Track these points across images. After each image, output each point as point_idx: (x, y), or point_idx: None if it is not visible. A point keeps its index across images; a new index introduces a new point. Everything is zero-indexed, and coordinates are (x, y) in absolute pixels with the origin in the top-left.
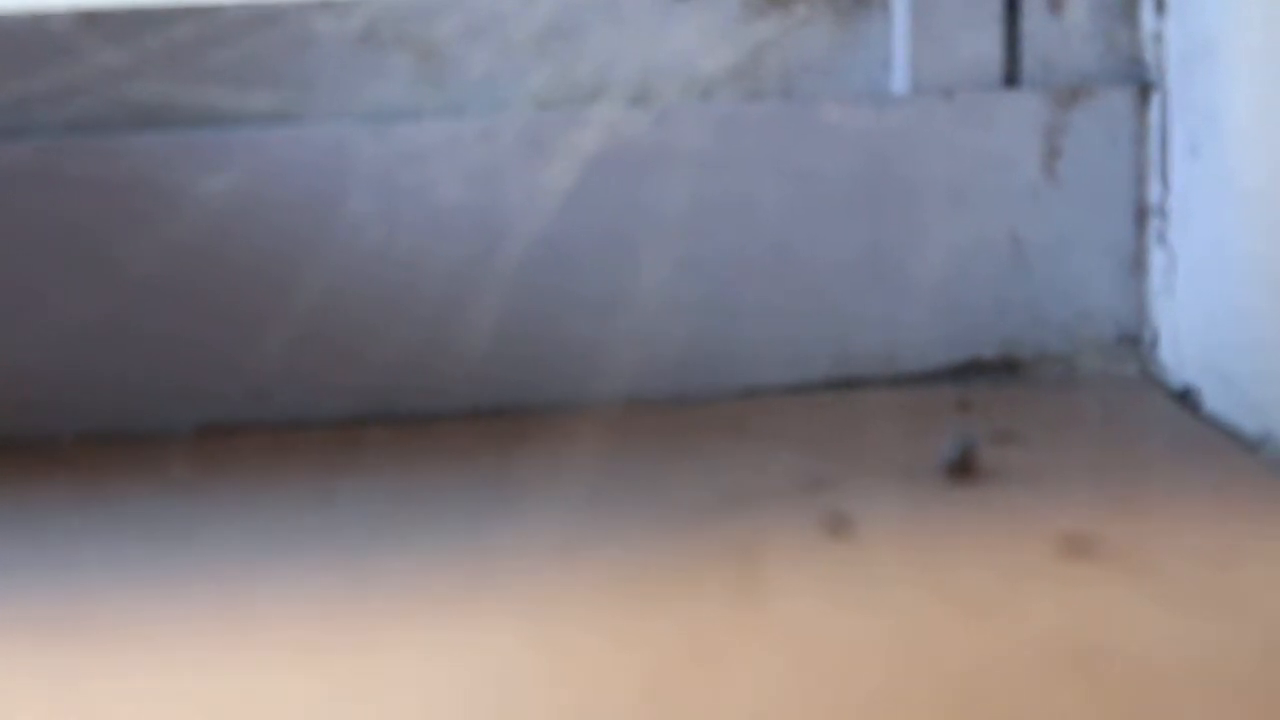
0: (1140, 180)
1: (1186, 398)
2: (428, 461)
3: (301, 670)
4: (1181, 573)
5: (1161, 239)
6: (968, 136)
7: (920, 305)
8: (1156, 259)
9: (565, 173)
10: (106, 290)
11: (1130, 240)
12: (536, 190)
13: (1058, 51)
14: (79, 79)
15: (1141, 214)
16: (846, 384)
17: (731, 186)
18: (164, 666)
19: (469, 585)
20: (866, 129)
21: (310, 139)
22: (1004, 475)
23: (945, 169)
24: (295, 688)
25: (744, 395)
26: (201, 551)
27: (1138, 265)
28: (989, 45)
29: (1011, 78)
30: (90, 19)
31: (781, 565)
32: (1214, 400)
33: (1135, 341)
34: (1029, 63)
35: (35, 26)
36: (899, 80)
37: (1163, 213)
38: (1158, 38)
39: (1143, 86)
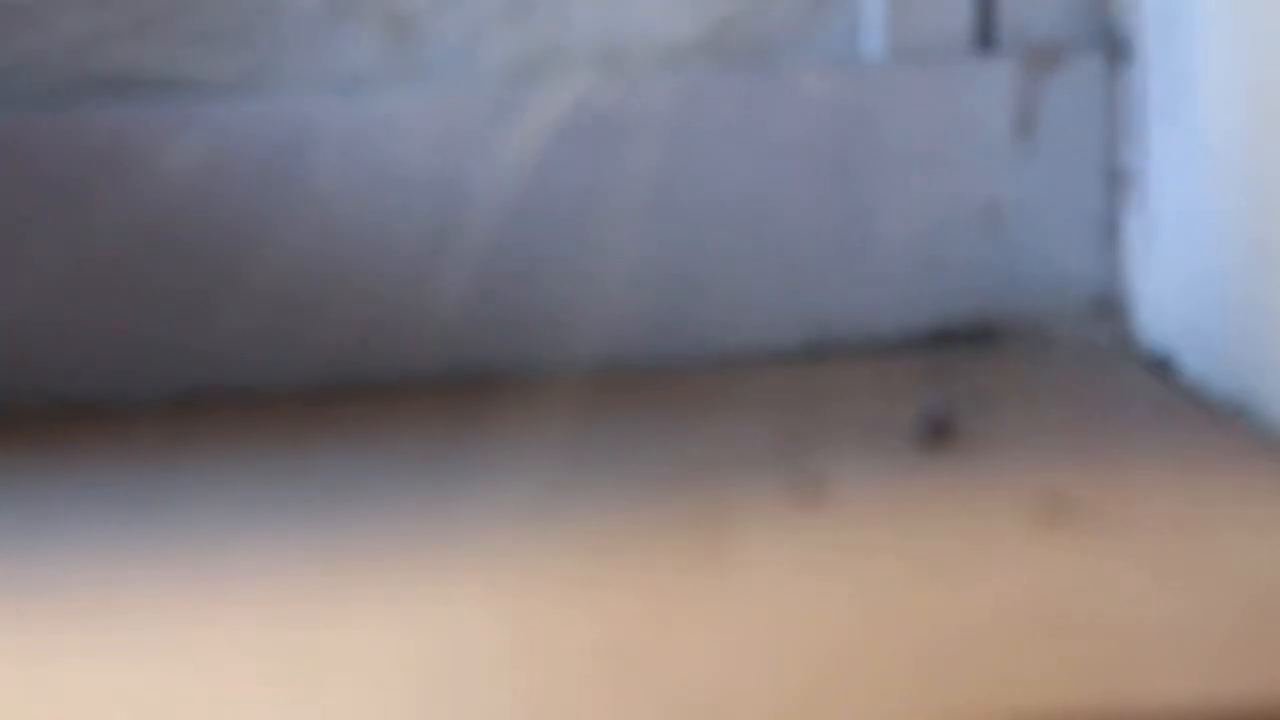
0: (1115, 144)
1: (1163, 363)
2: (396, 429)
3: (263, 637)
4: (1157, 538)
5: (1137, 204)
6: (941, 102)
7: (894, 272)
8: (1132, 224)
9: (534, 141)
10: (73, 262)
11: (1106, 205)
12: (505, 159)
13: (1032, 16)
14: (44, 49)
15: (1117, 178)
16: (820, 351)
17: (702, 154)
18: (132, 635)
19: (437, 553)
20: (839, 96)
21: (278, 108)
22: (979, 441)
23: (918, 135)
24: (256, 654)
25: (716, 362)
26: (170, 521)
27: (1113, 230)
28: (962, 10)
29: (985, 42)
30: None
31: (752, 532)
32: (1190, 365)
33: (1111, 307)
34: (1003, 27)
35: None
36: (871, 46)
37: (1138, 178)
38: (1132, 2)
39: (1117, 51)
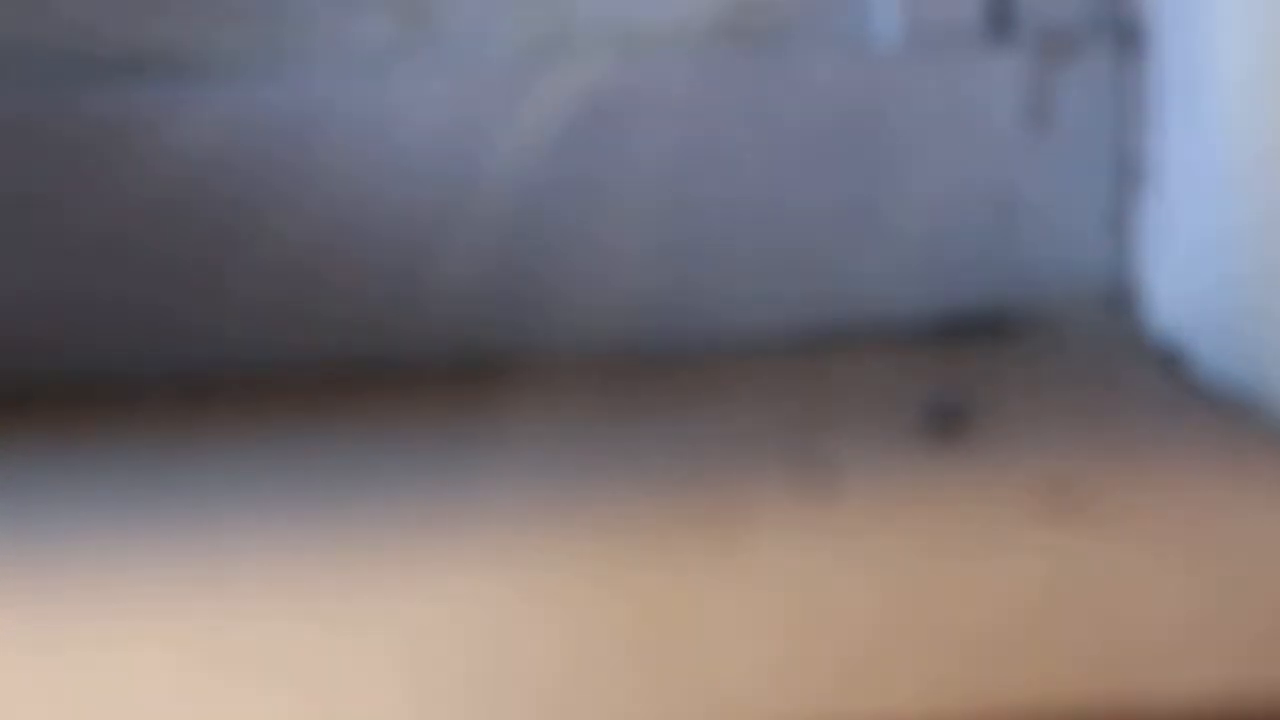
0: (1128, 135)
1: (1173, 354)
2: (406, 413)
3: (280, 618)
4: (1167, 529)
5: (1149, 195)
6: (953, 91)
7: (905, 261)
8: (1145, 216)
9: (545, 124)
10: (83, 241)
11: (1118, 197)
12: (516, 141)
13: (1046, 4)
14: (49, 29)
15: (1129, 169)
16: (830, 339)
17: (714, 140)
18: (141, 620)
19: (448, 536)
20: (850, 82)
21: (289, 88)
22: (989, 432)
23: (930, 123)
24: (273, 636)
25: (726, 349)
26: (179, 502)
27: (1125, 222)
28: None
29: (998, 31)
30: None
31: (764, 520)
32: (1201, 357)
33: (1122, 298)
34: (1016, 15)
35: None
36: (884, 33)
37: (1151, 168)
38: None
39: (1132, 41)
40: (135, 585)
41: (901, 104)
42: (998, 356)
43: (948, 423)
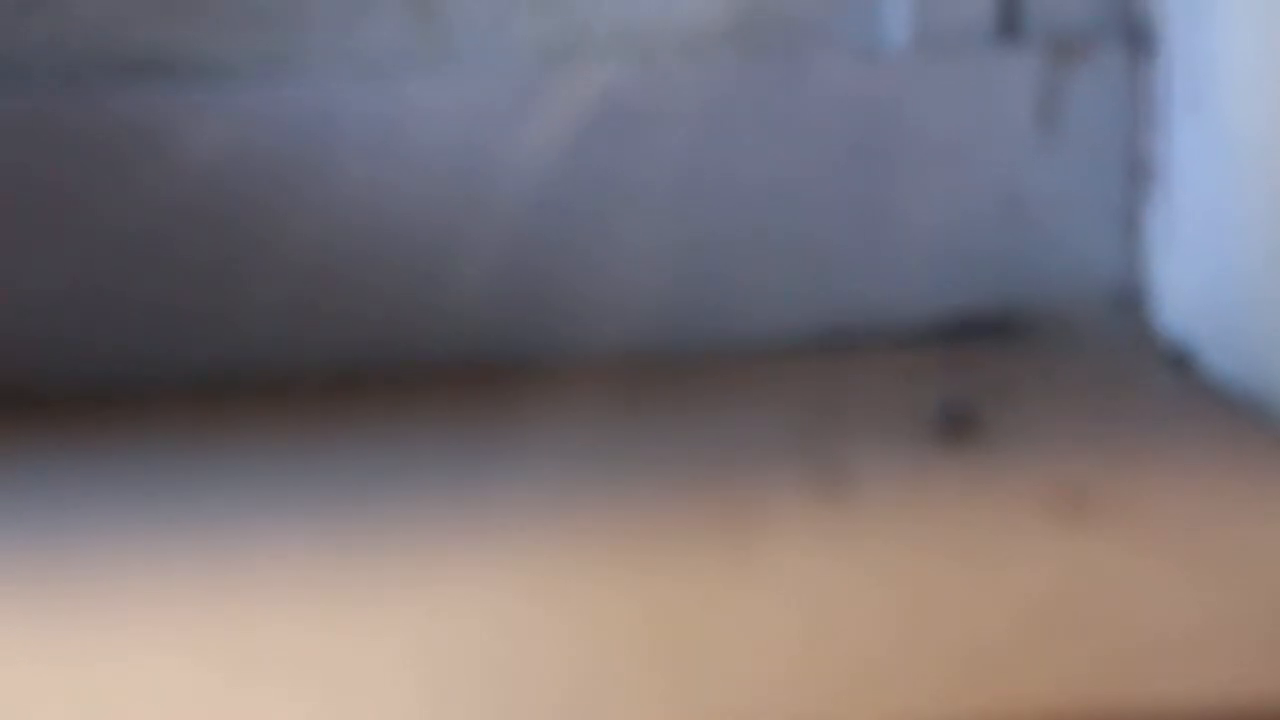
0: (1139, 135)
1: (1183, 356)
2: (420, 415)
3: (296, 622)
4: (1178, 532)
5: (1159, 197)
6: (964, 93)
7: (916, 263)
8: (1155, 216)
9: (559, 127)
10: (96, 245)
11: (1128, 198)
12: (530, 144)
13: (1056, 6)
14: (69, 31)
15: (1139, 170)
16: (841, 341)
17: (726, 142)
18: (157, 626)
19: (464, 538)
20: (862, 86)
21: (303, 90)
22: (1000, 434)
23: (941, 125)
24: (290, 640)
25: (738, 351)
26: (195, 506)
27: (1135, 223)
28: (985, 0)
29: (1009, 33)
30: None
31: (776, 524)
32: (1211, 359)
33: (1132, 299)
34: (1026, 17)
35: None
36: (895, 36)
37: (1162, 169)
38: None
39: (1141, 43)
40: (153, 589)
41: (912, 106)
42: (1008, 357)
43: (959, 425)
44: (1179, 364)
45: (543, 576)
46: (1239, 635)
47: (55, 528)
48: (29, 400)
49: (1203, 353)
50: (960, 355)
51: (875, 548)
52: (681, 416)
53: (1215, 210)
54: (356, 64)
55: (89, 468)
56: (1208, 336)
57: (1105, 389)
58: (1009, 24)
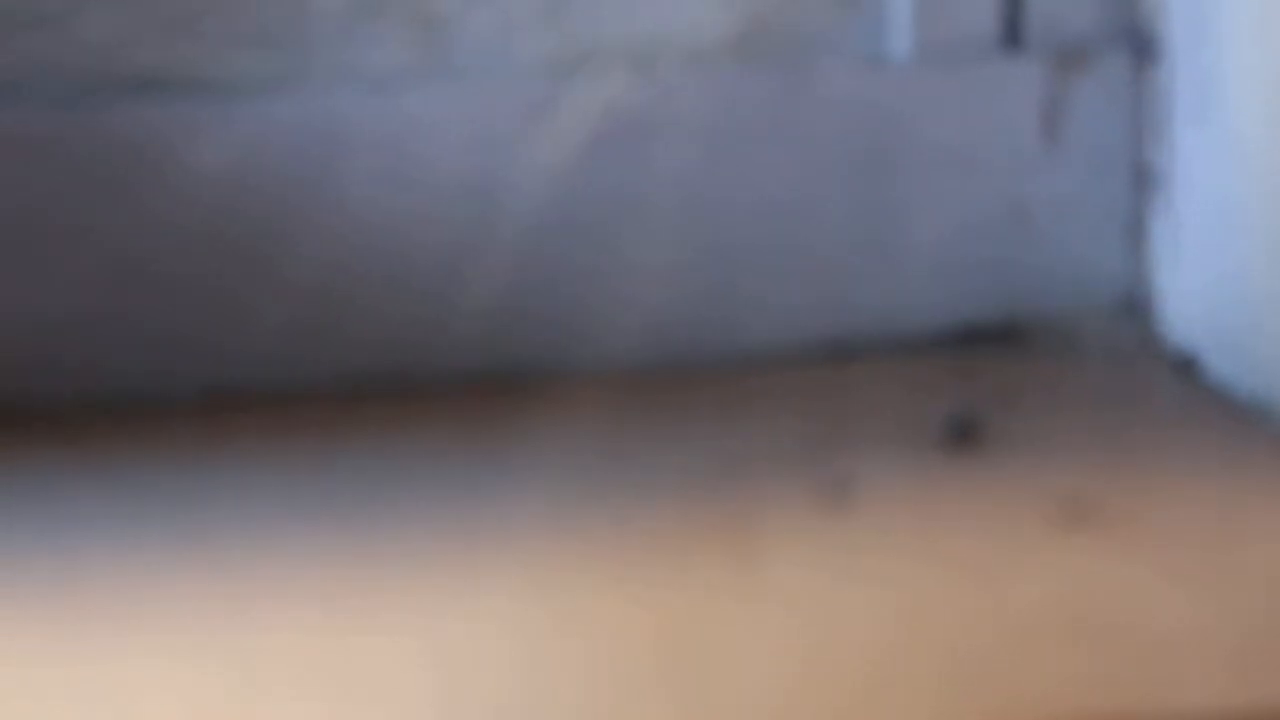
0: (1142, 145)
1: (1188, 364)
2: (427, 430)
3: (305, 636)
4: (1181, 540)
5: (1163, 204)
6: (968, 102)
7: (921, 271)
8: (1159, 224)
9: (565, 141)
10: (104, 261)
11: (1132, 206)
12: (536, 158)
13: (1059, 15)
14: (74, 49)
15: (1143, 178)
16: (847, 351)
17: (731, 154)
18: (164, 632)
19: (469, 552)
20: (867, 96)
21: (307, 108)
22: (1004, 442)
23: (945, 135)
24: (300, 653)
25: (745, 362)
26: (201, 520)
27: (1139, 231)
28: (989, 9)
29: (1012, 42)
30: None
31: (782, 533)
32: (1215, 366)
33: (1137, 307)
34: (1030, 27)
35: None
36: (899, 46)
37: (1164, 178)
38: (1159, 2)
39: (1144, 51)
40: (163, 601)
41: (917, 116)
42: (1013, 365)
43: (964, 434)
44: (1184, 370)
45: (549, 588)
46: (1243, 643)
47: (65, 541)
48: (37, 417)
49: (1207, 359)
50: (965, 363)
51: (880, 558)
52: (688, 428)
53: (1219, 217)
54: (361, 81)
55: (97, 484)
56: (1212, 343)
57: (1110, 396)
58: (1012, 34)
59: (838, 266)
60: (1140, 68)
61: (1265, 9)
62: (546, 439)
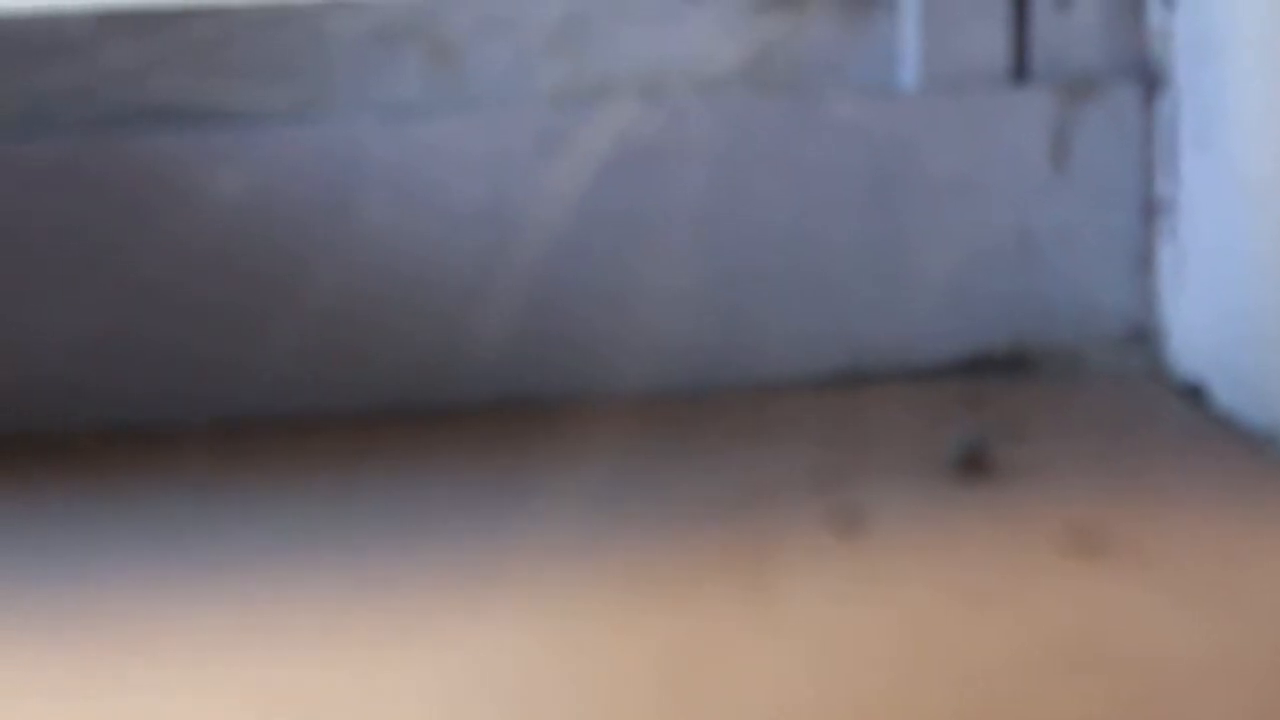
0: (1148, 175)
1: (1195, 393)
2: (442, 457)
3: (316, 666)
4: (1190, 569)
5: (1170, 234)
6: (976, 132)
7: (930, 300)
8: (1165, 254)
9: (577, 169)
10: (123, 287)
11: (1139, 235)
12: (549, 186)
13: (1066, 47)
14: (95, 79)
15: (1150, 209)
16: (857, 379)
17: (742, 182)
18: (177, 661)
19: (483, 580)
20: (875, 125)
21: (325, 136)
22: (1013, 471)
23: (954, 165)
24: (309, 683)
25: (755, 390)
26: (217, 548)
27: (1146, 260)
28: (997, 41)
29: (1020, 73)
30: (107, 19)
31: (792, 561)
32: (1223, 395)
33: (1144, 336)
34: (1037, 58)
35: (52, 27)
36: (907, 76)
37: (1171, 207)
38: (1165, 33)
39: (1150, 82)
40: (176, 628)
41: (926, 146)
42: (1021, 393)
43: (974, 462)
44: (1190, 399)
45: (562, 616)
46: (1253, 671)
47: (80, 568)
48: (53, 441)
49: (1214, 388)
50: (974, 391)
51: (889, 588)
52: (699, 456)
53: (1225, 246)
54: (378, 110)
55: (113, 510)
56: (1219, 372)
57: (1118, 425)
58: (1020, 65)
59: (847, 294)
60: (1147, 99)
61: (1270, 39)
62: (559, 467)
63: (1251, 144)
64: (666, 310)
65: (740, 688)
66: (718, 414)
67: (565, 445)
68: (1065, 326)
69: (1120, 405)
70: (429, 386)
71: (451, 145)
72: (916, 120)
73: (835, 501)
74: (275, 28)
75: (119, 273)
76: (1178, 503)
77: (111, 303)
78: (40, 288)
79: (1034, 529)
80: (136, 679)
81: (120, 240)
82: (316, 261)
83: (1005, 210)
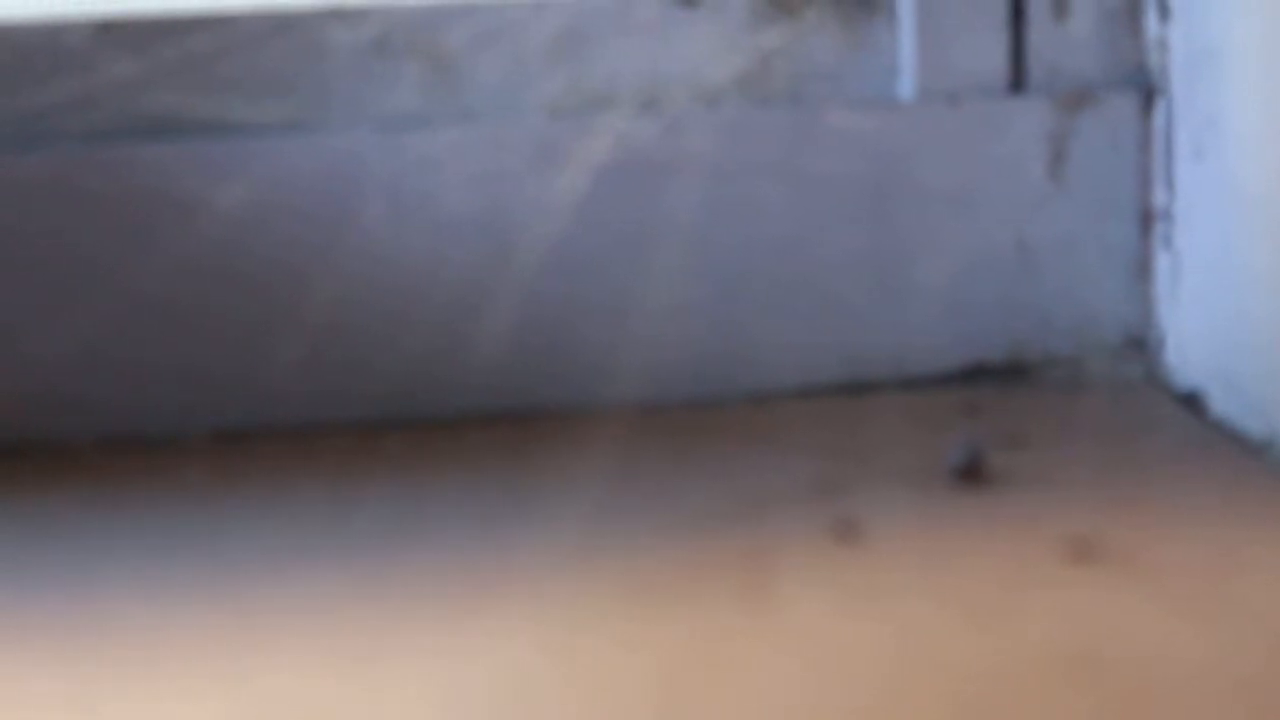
0: (1145, 185)
1: (1192, 401)
2: (441, 467)
3: (315, 674)
4: (1187, 578)
5: (1166, 243)
6: (973, 142)
7: (928, 310)
8: (1162, 263)
9: (576, 180)
10: (122, 298)
11: (1135, 244)
12: (547, 197)
13: (1063, 58)
14: (94, 90)
15: (1146, 218)
16: (855, 388)
17: (740, 192)
18: (178, 671)
19: (482, 590)
20: (873, 135)
21: (323, 148)
22: (1011, 480)
23: (951, 175)
24: (309, 692)
25: (753, 400)
26: (217, 556)
27: (1143, 269)
28: (994, 52)
29: (1017, 84)
30: (105, 30)
31: (790, 571)
32: (1219, 404)
33: (1141, 345)
34: (1034, 69)
35: (50, 38)
36: (905, 87)
37: (1168, 217)
38: (1162, 44)
39: (1147, 92)
40: (175, 642)
41: (924, 156)
42: (1019, 402)
43: (971, 471)
44: (1187, 408)
45: (561, 626)
46: (1250, 679)
47: (81, 578)
48: (54, 453)
49: (1211, 396)
50: (972, 400)
51: (888, 597)
52: (697, 466)
53: (1222, 255)
54: (376, 122)
55: (114, 521)
56: (1216, 380)
57: (1114, 433)
58: (1017, 75)
59: (845, 304)
60: (1143, 109)
61: (1266, 51)
62: (557, 477)
63: (1248, 154)
64: (665, 320)
65: (739, 697)
66: (716, 424)
67: (564, 455)
68: (1063, 335)
69: (1118, 414)
70: (427, 397)
71: (450, 157)
72: (914, 131)
73: (833, 510)
74: (274, 40)
75: (118, 284)
76: (1175, 511)
77: (111, 314)
78: (39, 299)
79: (1032, 537)
80: (136, 689)
81: (119, 252)
82: (315, 273)
83: (1003, 219)
